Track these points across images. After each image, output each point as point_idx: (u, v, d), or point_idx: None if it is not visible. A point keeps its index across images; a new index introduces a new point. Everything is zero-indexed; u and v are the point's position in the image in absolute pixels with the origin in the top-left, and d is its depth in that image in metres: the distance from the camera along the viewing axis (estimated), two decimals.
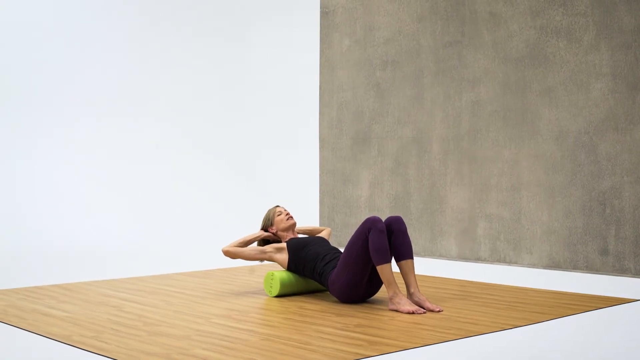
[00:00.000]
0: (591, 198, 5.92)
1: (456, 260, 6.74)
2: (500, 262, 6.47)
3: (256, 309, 4.43)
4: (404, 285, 5.08)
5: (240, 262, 6.54)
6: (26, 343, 3.58)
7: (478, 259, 6.62)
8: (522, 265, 6.32)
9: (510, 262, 6.41)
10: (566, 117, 6.06)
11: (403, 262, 4.46)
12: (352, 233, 7.55)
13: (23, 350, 3.43)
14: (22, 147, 8.72)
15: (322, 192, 7.92)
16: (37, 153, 8.76)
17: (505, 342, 3.56)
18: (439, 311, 4.32)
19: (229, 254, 4.91)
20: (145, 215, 8.71)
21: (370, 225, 4.36)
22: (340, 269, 4.49)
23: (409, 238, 4.47)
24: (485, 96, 6.57)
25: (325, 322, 4.03)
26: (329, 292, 5.02)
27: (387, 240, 4.37)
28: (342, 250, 4.87)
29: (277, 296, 4.83)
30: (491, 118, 6.54)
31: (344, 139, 7.70)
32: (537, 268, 6.21)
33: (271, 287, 4.84)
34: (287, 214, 5.01)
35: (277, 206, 5.08)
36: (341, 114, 7.73)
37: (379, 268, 4.34)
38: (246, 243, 4.99)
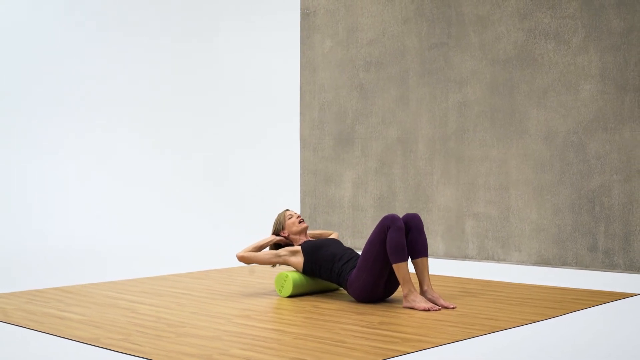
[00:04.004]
0: (580, 196, 6.07)
1: (443, 259, 6.83)
2: (488, 259, 6.58)
3: (272, 308, 4.44)
4: (417, 282, 5.15)
5: (235, 263, 6.53)
6: (53, 346, 3.53)
7: (466, 257, 6.72)
8: (511, 262, 6.44)
9: (498, 260, 6.52)
10: (555, 117, 6.20)
11: (418, 260, 4.52)
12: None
13: (54, 354, 3.39)
14: (16, 149, 8.57)
15: (303, 192, 7.95)
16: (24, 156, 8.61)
17: (532, 336, 3.65)
18: (453, 308, 4.39)
19: (243, 259, 4.90)
20: (135, 217, 8.63)
21: (389, 223, 4.41)
22: (360, 269, 4.53)
23: (425, 236, 4.53)
24: (473, 97, 6.68)
25: (348, 320, 4.07)
26: (337, 292, 5.06)
27: (404, 238, 4.42)
28: (357, 250, 4.86)
29: (287, 296, 4.84)
30: (478, 118, 6.65)
31: (326, 140, 7.73)
32: (526, 265, 6.34)
33: (282, 287, 4.85)
34: (299, 217, 5.03)
35: (287, 210, 5.09)
36: (323, 115, 7.76)
37: (395, 266, 4.39)
38: (259, 248, 4.98)
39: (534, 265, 6.32)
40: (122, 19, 9.10)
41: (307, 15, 7.93)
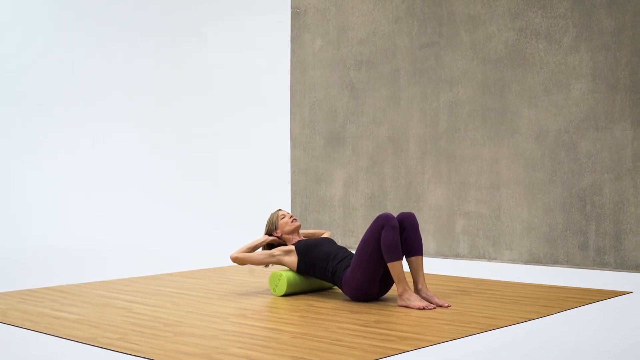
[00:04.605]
0: (571, 195, 6.11)
1: (434, 257, 6.86)
2: (479, 258, 6.61)
3: (267, 307, 4.45)
4: (411, 281, 5.17)
5: (227, 262, 6.53)
6: (51, 346, 3.52)
7: (457, 256, 6.75)
8: (502, 261, 6.48)
9: (489, 259, 6.55)
10: (546, 116, 6.24)
11: (413, 259, 4.54)
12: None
13: (53, 354, 3.38)
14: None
15: (293, 191, 7.95)
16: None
17: (529, 334, 3.67)
18: (447, 306, 4.41)
19: (237, 260, 4.91)
20: (128, 217, 8.61)
21: (383, 222, 4.43)
22: (355, 268, 4.54)
23: (419, 234, 4.55)
24: (464, 96, 6.70)
25: (343, 319, 4.08)
26: (331, 291, 5.07)
27: (399, 237, 4.44)
28: (349, 249, 4.84)
29: (281, 295, 4.85)
30: (470, 117, 6.68)
31: (316, 139, 7.74)
32: (517, 263, 6.37)
33: (276, 286, 4.86)
34: (291, 216, 5.04)
35: (279, 210, 5.09)
36: (313, 114, 7.77)
37: (390, 265, 4.40)
38: (253, 248, 4.99)
39: (525, 263, 6.35)
40: (114, 19, 9.07)
41: (297, 15, 7.94)
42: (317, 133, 7.74)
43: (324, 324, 3.95)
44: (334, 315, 4.19)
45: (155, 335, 3.69)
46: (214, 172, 8.77)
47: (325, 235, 5.21)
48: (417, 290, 4.53)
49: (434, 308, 4.36)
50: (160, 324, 3.97)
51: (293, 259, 4.87)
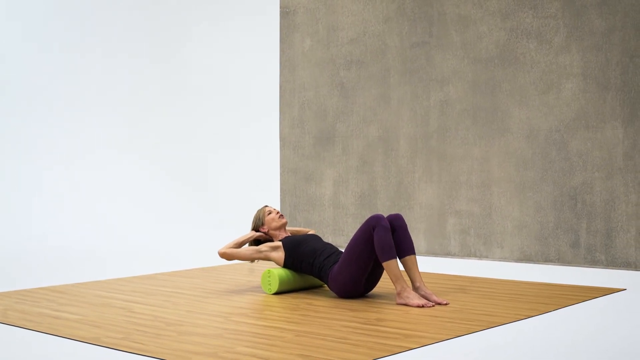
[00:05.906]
0: (562, 193, 6.17)
1: (425, 256, 6.89)
2: (470, 256, 6.66)
3: (265, 306, 4.46)
4: (408, 280, 5.21)
5: (220, 261, 6.54)
6: (54, 347, 3.51)
7: (448, 254, 6.79)
8: (493, 259, 6.52)
9: (480, 257, 6.60)
10: (537, 115, 6.30)
11: (406, 258, 4.58)
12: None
13: (53, 354, 3.37)
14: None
15: (283, 190, 7.96)
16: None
17: (531, 331, 3.71)
18: (446, 304, 4.45)
19: (225, 255, 4.95)
20: (117, 218, 8.58)
21: (374, 223, 4.47)
22: (343, 265, 4.59)
23: (409, 234, 4.61)
24: (455, 95, 6.75)
25: (344, 317, 4.10)
26: (326, 288, 5.09)
27: (391, 236, 4.49)
28: (334, 245, 4.86)
29: (275, 293, 4.87)
30: (460, 117, 6.72)
31: (306, 138, 7.76)
32: (508, 262, 6.42)
33: (269, 284, 4.88)
34: (278, 212, 5.08)
35: (266, 206, 5.14)
36: (303, 113, 7.79)
37: (385, 264, 4.44)
38: (240, 244, 5.03)
39: (516, 261, 6.40)
40: (103, 22, 9.04)
41: (286, 14, 7.94)
42: (307, 132, 7.75)
43: (326, 322, 3.97)
44: (334, 313, 4.22)
45: (159, 335, 3.69)
46: (203, 172, 8.77)
47: (310, 233, 5.26)
48: (415, 289, 4.56)
49: (433, 306, 4.40)
50: (162, 323, 3.97)
51: (280, 255, 4.92)
